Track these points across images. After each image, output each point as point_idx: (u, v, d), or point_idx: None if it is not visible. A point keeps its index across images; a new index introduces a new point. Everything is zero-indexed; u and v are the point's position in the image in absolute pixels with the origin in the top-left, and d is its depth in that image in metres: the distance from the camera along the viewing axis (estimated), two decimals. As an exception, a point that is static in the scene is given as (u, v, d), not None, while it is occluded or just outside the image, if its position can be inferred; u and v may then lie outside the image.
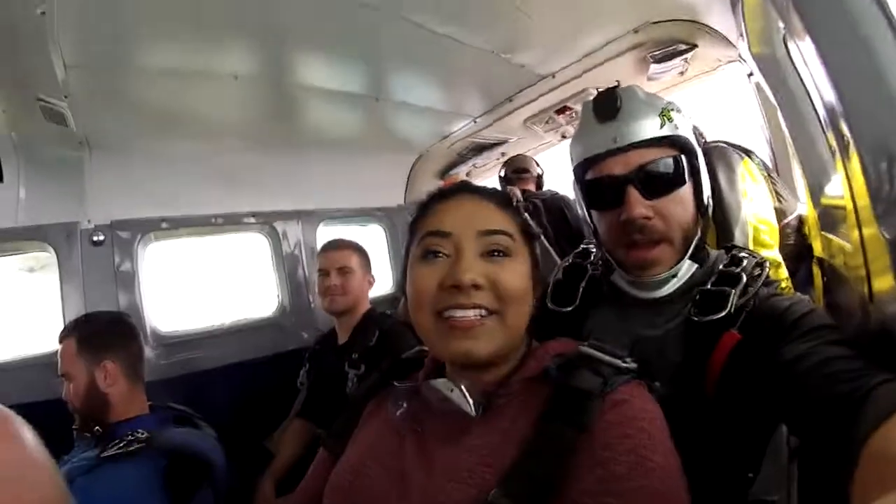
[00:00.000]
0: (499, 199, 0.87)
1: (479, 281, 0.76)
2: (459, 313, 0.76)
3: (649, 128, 1.00)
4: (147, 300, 2.43)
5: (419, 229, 0.86)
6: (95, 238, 2.27)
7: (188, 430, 1.62)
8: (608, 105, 1.03)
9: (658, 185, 1.01)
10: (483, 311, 0.77)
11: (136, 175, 2.34)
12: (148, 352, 1.91)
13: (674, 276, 1.04)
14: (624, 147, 1.00)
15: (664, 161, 1.01)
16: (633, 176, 1.00)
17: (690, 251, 1.04)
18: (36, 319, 2.40)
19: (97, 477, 1.33)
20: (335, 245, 2.31)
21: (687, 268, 1.05)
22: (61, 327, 1.65)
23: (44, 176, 2.11)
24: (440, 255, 0.80)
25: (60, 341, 1.58)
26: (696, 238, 1.05)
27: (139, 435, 1.46)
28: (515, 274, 0.80)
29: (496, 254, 0.80)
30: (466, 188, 0.89)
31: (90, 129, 2.02)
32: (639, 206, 0.99)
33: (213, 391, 2.41)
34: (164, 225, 2.50)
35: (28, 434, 0.55)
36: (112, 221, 2.33)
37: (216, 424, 1.78)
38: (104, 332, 1.60)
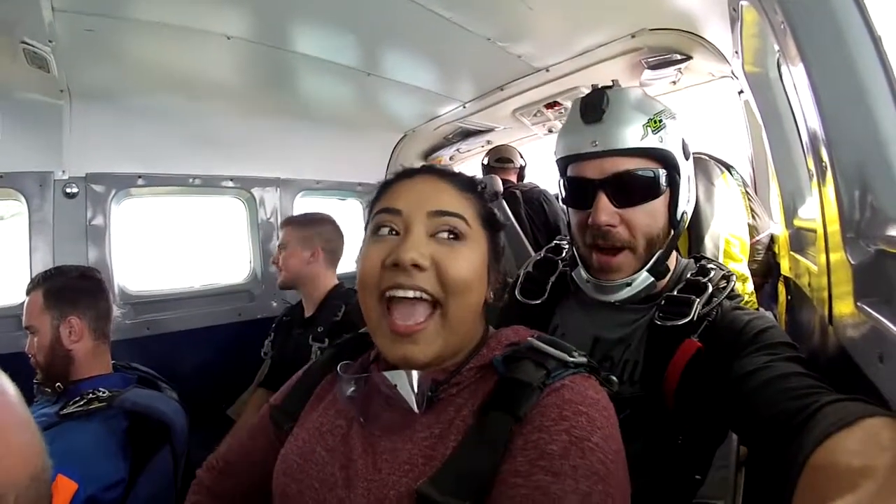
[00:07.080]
0: (461, 182, 0.84)
1: (422, 262, 0.73)
2: (400, 293, 0.74)
3: (631, 136, 1.00)
4: (117, 257, 2.38)
5: (374, 207, 0.84)
6: (69, 190, 2.21)
7: (151, 392, 1.60)
8: (594, 107, 1.03)
9: (629, 194, 1.02)
10: (424, 295, 0.74)
11: (116, 129, 2.28)
12: (114, 310, 1.88)
13: (627, 284, 1.06)
14: (601, 153, 1.01)
15: (640, 172, 1.02)
16: (606, 182, 1.01)
17: (651, 263, 1.05)
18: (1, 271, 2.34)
19: (56, 435, 1.30)
20: (282, 222, 2.40)
21: (643, 279, 1.06)
22: (27, 280, 1.61)
23: (21, 122, 2.03)
24: (390, 231, 0.78)
25: (28, 293, 1.55)
26: (661, 251, 1.06)
27: (100, 394, 1.44)
28: (464, 260, 0.77)
29: (447, 236, 0.77)
30: (429, 170, 0.86)
31: (73, 78, 1.95)
32: (605, 213, 1.01)
33: (179, 354, 2.41)
34: (140, 182, 2.45)
35: (7, 382, 0.55)
36: (87, 174, 2.27)
37: (179, 388, 1.77)
38: (74, 286, 1.57)
